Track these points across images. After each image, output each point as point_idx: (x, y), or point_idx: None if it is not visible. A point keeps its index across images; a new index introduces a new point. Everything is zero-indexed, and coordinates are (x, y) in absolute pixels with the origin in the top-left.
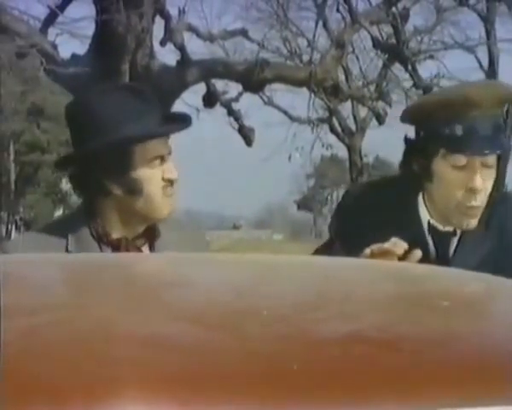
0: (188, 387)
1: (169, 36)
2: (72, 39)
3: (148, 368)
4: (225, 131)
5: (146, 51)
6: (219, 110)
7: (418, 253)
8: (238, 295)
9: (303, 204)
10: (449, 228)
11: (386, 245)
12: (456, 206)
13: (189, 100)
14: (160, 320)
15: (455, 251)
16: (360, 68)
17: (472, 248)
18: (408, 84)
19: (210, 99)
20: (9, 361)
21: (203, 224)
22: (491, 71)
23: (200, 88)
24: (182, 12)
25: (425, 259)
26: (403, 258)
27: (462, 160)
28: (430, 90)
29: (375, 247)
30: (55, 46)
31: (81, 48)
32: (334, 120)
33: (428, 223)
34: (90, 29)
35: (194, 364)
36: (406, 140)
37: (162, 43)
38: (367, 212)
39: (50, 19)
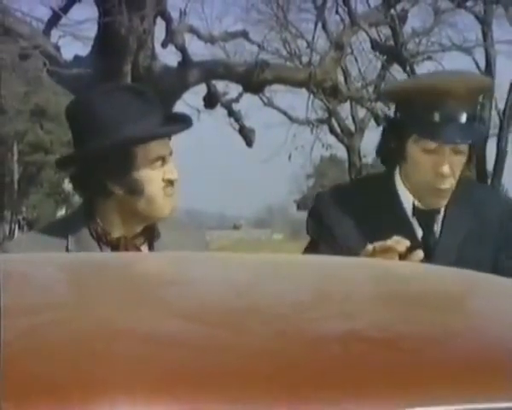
0: (188, 384)
1: (170, 37)
2: (75, 41)
3: (148, 365)
4: (226, 131)
5: (148, 53)
6: (220, 111)
7: (420, 253)
8: (238, 293)
9: (303, 204)
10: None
11: (389, 243)
12: (426, 186)
13: (189, 101)
14: (160, 318)
15: (441, 232)
16: (359, 70)
17: (456, 228)
18: None
19: (211, 100)
20: (11, 360)
21: (204, 223)
22: (488, 72)
23: (201, 89)
24: (183, 14)
25: (411, 240)
26: (404, 255)
27: (432, 144)
28: None
29: (378, 244)
30: (57, 48)
31: (84, 49)
32: (334, 121)
33: (413, 204)
34: (92, 31)
35: (194, 361)
36: (386, 119)
37: (163, 45)
38: (344, 209)
39: (53, 21)
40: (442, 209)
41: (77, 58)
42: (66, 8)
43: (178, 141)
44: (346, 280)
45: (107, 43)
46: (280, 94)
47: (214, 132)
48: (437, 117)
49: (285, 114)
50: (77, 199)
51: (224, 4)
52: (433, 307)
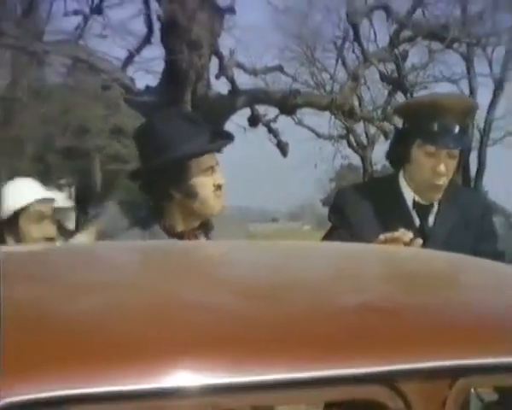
0: (234, 346)
1: (222, 71)
2: (147, 74)
3: (203, 331)
4: (266, 145)
5: (204, 83)
6: (261, 129)
7: (419, 240)
8: (275, 272)
9: (327, 202)
10: (428, 202)
11: (396, 234)
12: (426, 183)
13: (237, 121)
14: (213, 292)
15: (434, 223)
16: (370, 96)
17: (446, 220)
18: None
19: (254, 120)
20: (94, 326)
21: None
22: (471, 99)
23: (246, 112)
24: (232, 53)
25: (411, 229)
26: (408, 243)
27: (431, 149)
28: None
29: (388, 235)
30: (132, 80)
31: (153, 81)
32: (351, 137)
33: (413, 199)
34: (160, 66)
35: (239, 327)
36: (395, 130)
37: (217, 77)
38: (358, 202)
39: (129, 59)
40: (436, 204)
41: (148, 88)
42: (139, 49)
43: (230, 152)
44: (361, 262)
45: (172, 75)
46: (308, 115)
47: (257, 146)
48: (436, 127)
49: (312, 131)
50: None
51: (265, 45)
52: (430, 284)
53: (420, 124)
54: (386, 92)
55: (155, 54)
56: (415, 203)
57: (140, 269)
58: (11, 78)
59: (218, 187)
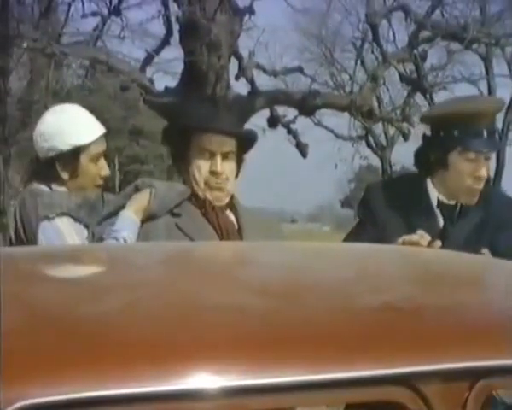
0: (255, 348)
1: (242, 72)
2: (166, 75)
3: (222, 332)
4: (285, 146)
5: (223, 84)
6: (280, 130)
7: (438, 242)
8: (295, 273)
9: (346, 202)
10: (452, 202)
11: (415, 237)
12: (466, 188)
13: (256, 122)
14: (232, 293)
15: (457, 221)
16: (390, 97)
17: (469, 218)
18: (426, 109)
19: (273, 121)
20: (117, 327)
21: (271, 217)
22: None
23: (266, 113)
24: (251, 54)
25: (435, 226)
26: (428, 244)
27: (472, 155)
28: None
29: (407, 238)
30: (151, 81)
31: (172, 82)
32: (370, 138)
33: (438, 199)
34: (179, 67)
35: (259, 328)
36: (424, 137)
37: (236, 78)
38: (386, 199)
39: (148, 60)
40: (458, 204)
41: (167, 89)
42: (158, 50)
43: (249, 153)
44: (381, 263)
45: (191, 76)
46: (327, 116)
47: (276, 146)
48: (476, 133)
49: (332, 131)
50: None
51: (284, 46)
52: (451, 285)
53: (459, 131)
54: (405, 93)
55: (174, 55)
56: (439, 203)
57: (156, 270)
58: (29, 79)
59: (213, 173)
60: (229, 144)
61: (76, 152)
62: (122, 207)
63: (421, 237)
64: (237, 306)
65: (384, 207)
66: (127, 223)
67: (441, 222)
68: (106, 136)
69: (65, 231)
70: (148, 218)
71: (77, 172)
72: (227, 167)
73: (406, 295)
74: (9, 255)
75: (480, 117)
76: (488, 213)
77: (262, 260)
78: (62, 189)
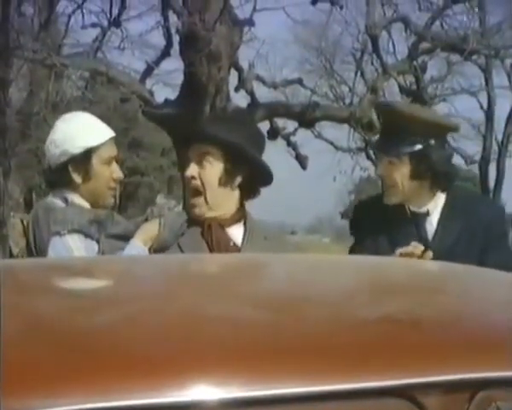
0: (255, 360)
1: (241, 84)
2: (166, 87)
3: (223, 344)
4: (285, 157)
5: (223, 96)
6: (280, 142)
7: (430, 253)
8: (295, 285)
9: (346, 214)
10: (424, 209)
11: (410, 248)
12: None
13: None
14: (233, 305)
15: (436, 231)
16: None
17: (449, 228)
18: None
19: (273, 133)
20: (116, 339)
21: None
22: (490, 111)
23: (265, 125)
24: (251, 65)
25: (408, 236)
26: (420, 257)
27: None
28: None
29: (403, 249)
30: (151, 93)
31: (172, 94)
32: (370, 149)
33: (408, 208)
34: (179, 79)
35: (260, 341)
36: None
37: (236, 90)
38: (370, 217)
39: (148, 71)
40: (435, 212)
41: (167, 101)
42: (157, 62)
43: None
44: (379, 274)
45: (191, 88)
46: (327, 128)
47: (276, 158)
48: (381, 134)
49: (331, 143)
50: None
51: (284, 58)
52: (449, 296)
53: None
54: None
55: (174, 66)
56: (411, 212)
57: (158, 282)
58: (29, 91)
59: (188, 179)
60: (208, 151)
61: (87, 154)
62: (131, 232)
63: (415, 247)
64: (237, 318)
65: (370, 224)
66: (135, 251)
67: (415, 232)
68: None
69: (74, 248)
70: (161, 246)
71: (89, 174)
72: (204, 174)
73: (405, 306)
74: (10, 267)
75: (391, 119)
76: (475, 224)
77: (261, 272)
78: (76, 196)
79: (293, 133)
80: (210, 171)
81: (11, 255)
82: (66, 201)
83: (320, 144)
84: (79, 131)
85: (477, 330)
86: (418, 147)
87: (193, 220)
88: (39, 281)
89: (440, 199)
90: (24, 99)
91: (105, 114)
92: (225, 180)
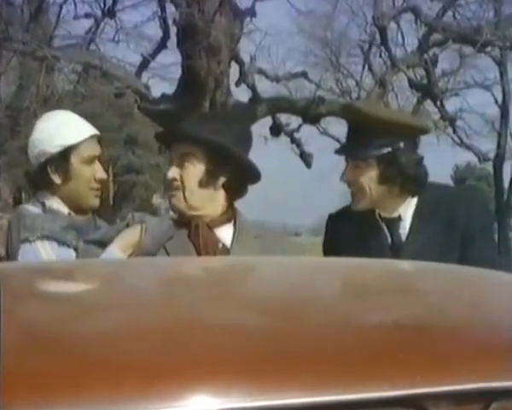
0: (257, 369)
1: (242, 78)
2: (163, 81)
3: (224, 352)
4: (288, 155)
5: (223, 90)
6: (283, 139)
7: None
8: (297, 289)
9: None
10: (395, 214)
11: None
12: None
13: (258, 130)
14: (233, 311)
15: (408, 234)
16: (398, 104)
17: (421, 230)
18: (437, 116)
19: (276, 130)
20: (111, 346)
21: (273, 231)
22: (505, 105)
23: (268, 120)
24: (253, 58)
25: (382, 243)
26: None
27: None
28: (454, 122)
29: None
30: (147, 87)
31: (170, 88)
32: None
33: (378, 213)
34: (177, 73)
35: (261, 349)
36: None
37: (237, 84)
38: (341, 231)
39: (144, 65)
40: (407, 216)
41: (164, 96)
42: (154, 54)
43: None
44: (382, 277)
45: (190, 83)
46: (333, 124)
47: (279, 156)
48: (347, 135)
49: (338, 141)
50: (163, 213)
51: (287, 50)
52: (459, 300)
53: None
54: (414, 100)
55: (171, 59)
56: (381, 218)
57: (153, 287)
58: (18, 85)
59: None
60: (190, 151)
61: (66, 153)
62: (110, 238)
63: None
64: (237, 324)
65: (341, 238)
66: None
67: (389, 239)
68: (100, 145)
69: (44, 255)
70: (141, 254)
71: (69, 175)
72: (185, 175)
73: (413, 310)
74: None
75: (357, 119)
76: (453, 221)
77: (262, 276)
78: (55, 200)
79: (297, 130)
80: (192, 172)
81: (2, 257)
82: (43, 205)
83: (325, 141)
84: (58, 129)
85: (490, 336)
86: (386, 150)
87: (179, 222)
88: (29, 285)
89: (412, 202)
90: (13, 93)
91: (98, 110)
92: (207, 181)
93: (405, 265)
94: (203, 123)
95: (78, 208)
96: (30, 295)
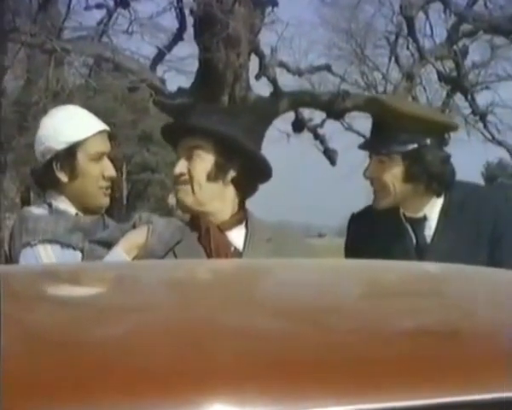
0: (278, 377)
1: (263, 71)
2: (179, 75)
3: (244, 357)
4: (312, 152)
5: (243, 84)
6: (306, 135)
7: None
8: (318, 294)
9: None
10: (420, 214)
11: None
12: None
13: (280, 126)
14: (254, 316)
15: (433, 236)
16: (427, 98)
17: (447, 231)
18: (467, 111)
19: (298, 125)
20: (116, 351)
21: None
22: None
23: (290, 116)
24: (274, 50)
25: (406, 245)
26: None
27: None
28: (485, 117)
29: None
30: (163, 81)
31: (186, 82)
32: None
33: (403, 214)
34: (193, 66)
35: (283, 355)
36: None
37: (257, 78)
38: (364, 231)
39: (159, 57)
40: (434, 216)
41: (180, 90)
42: (170, 47)
43: (272, 160)
44: (405, 281)
45: (207, 76)
46: (358, 119)
47: (302, 153)
48: (371, 130)
49: (363, 136)
50: (179, 213)
51: (310, 42)
52: (486, 305)
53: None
54: (444, 93)
55: (188, 52)
56: (406, 218)
57: (164, 290)
58: (26, 79)
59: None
60: (199, 144)
61: (72, 150)
62: (115, 238)
63: None
64: (254, 329)
65: (364, 238)
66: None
67: (413, 240)
68: (111, 141)
69: (45, 259)
70: (148, 257)
71: (75, 172)
72: (193, 168)
73: (439, 315)
74: (5, 273)
75: (379, 113)
76: (480, 220)
77: (285, 279)
78: (62, 200)
79: (321, 125)
80: (200, 165)
81: (6, 260)
82: (50, 206)
83: (350, 137)
84: (63, 125)
85: None
86: (412, 146)
87: (189, 225)
88: (30, 288)
89: (438, 202)
90: (21, 88)
91: (111, 105)
92: (216, 175)
93: (431, 267)
94: (210, 115)
95: (86, 208)
96: (31, 298)
